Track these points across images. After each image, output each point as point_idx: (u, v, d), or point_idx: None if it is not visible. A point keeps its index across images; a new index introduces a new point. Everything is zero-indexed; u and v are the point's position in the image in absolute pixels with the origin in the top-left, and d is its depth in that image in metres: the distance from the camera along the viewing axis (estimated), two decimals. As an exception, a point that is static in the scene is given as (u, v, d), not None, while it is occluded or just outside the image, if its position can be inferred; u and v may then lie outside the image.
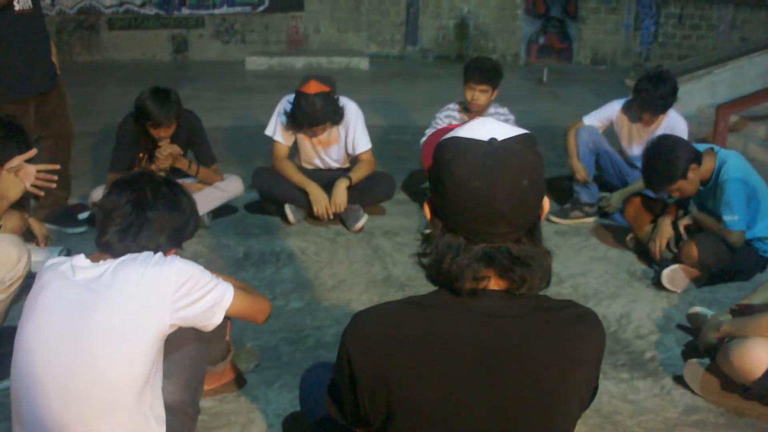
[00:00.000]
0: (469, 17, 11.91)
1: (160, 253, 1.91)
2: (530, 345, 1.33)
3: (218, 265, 3.65)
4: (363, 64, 11.13)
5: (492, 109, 4.58)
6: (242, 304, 2.03)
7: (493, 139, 1.30)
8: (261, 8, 12.16)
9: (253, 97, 8.18)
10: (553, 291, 3.54)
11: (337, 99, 4.13)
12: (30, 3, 3.75)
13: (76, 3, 11.09)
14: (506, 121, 4.55)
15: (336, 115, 4.12)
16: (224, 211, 4.31)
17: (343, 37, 12.36)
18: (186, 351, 2.07)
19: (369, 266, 3.74)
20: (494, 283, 1.35)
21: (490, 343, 1.32)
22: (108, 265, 1.86)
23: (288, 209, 4.24)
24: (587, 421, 2.50)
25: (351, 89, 8.41)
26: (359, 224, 4.19)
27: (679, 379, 2.76)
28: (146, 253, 1.89)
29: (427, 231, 1.42)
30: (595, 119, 4.55)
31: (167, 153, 3.96)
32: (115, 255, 1.91)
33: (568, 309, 1.40)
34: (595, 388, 1.48)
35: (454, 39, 12.19)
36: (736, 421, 2.55)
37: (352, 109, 4.26)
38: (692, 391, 2.69)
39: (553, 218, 4.45)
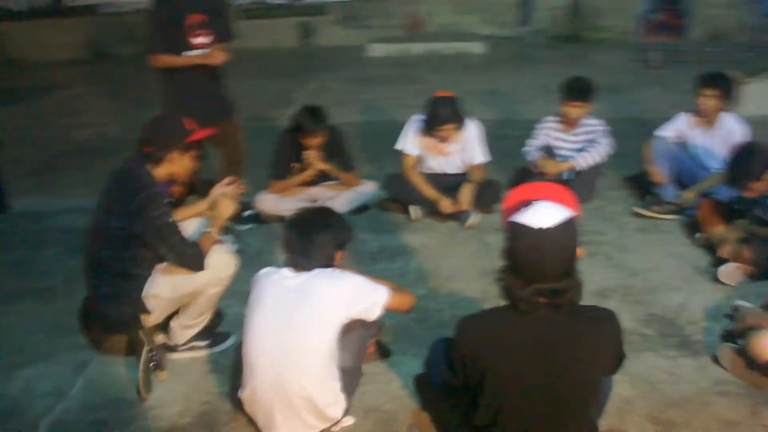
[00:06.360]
0: (581, -4, 12.22)
1: (339, 271, 2.94)
2: (566, 337, 2.29)
3: (357, 258, 4.68)
4: (477, 48, 11.75)
5: (585, 120, 5.39)
6: (394, 302, 3.05)
7: (540, 228, 2.22)
8: (381, -6, 12.96)
9: (375, 90, 9.15)
10: (627, 282, 4.35)
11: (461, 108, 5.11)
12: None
13: None
14: (595, 132, 5.36)
15: (459, 117, 5.06)
16: (360, 208, 5.38)
17: (460, 20, 12.93)
18: (355, 333, 3.03)
19: (479, 260, 4.65)
20: (543, 301, 2.29)
21: (542, 337, 2.29)
22: (305, 276, 2.91)
23: (411, 209, 5.28)
24: (636, 386, 3.36)
25: (465, 80, 9.23)
26: (470, 221, 5.12)
27: (715, 359, 3.55)
28: (329, 271, 2.93)
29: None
30: (667, 131, 5.38)
31: (314, 159, 5.13)
32: (305, 269, 2.95)
33: (590, 312, 2.37)
34: (620, 359, 2.46)
35: (567, 18, 12.55)
36: (753, 392, 3.33)
37: (472, 126, 5.20)
38: (724, 368, 3.49)
39: (637, 209, 5.25)
